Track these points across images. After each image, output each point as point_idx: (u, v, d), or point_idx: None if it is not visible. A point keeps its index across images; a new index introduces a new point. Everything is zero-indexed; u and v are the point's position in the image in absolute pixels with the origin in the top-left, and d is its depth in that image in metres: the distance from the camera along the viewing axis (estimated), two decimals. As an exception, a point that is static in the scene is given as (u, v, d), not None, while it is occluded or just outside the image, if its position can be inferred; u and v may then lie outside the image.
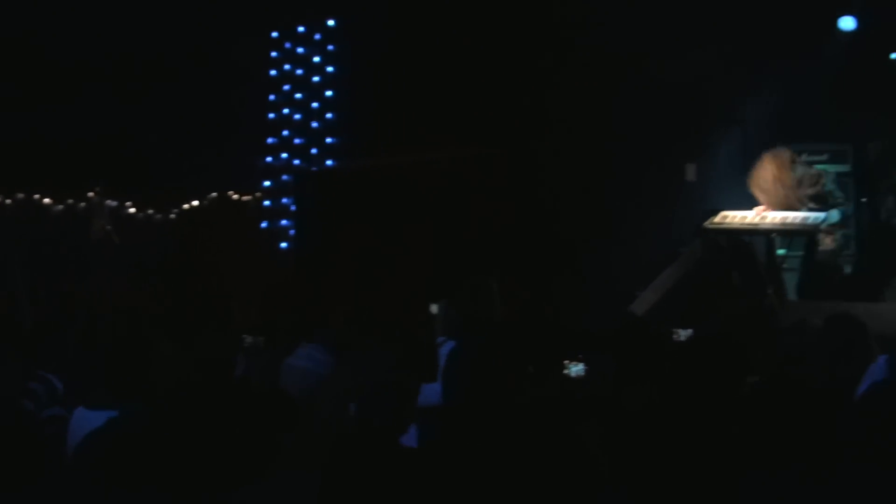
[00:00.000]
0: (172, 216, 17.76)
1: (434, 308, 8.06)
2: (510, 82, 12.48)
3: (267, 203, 16.11)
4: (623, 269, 10.90)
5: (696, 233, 10.27)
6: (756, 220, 9.89)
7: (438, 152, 12.94)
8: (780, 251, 10.53)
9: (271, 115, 16.10)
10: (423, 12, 13.21)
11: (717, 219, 10.07)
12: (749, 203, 10.29)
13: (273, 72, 16.12)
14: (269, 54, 16.10)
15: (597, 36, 11.55)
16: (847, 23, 12.66)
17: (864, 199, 12.00)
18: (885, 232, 11.87)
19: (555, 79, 12.09)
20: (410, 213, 12.67)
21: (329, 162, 15.61)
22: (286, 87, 16.09)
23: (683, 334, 6.73)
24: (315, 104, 15.75)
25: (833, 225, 9.84)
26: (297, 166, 15.80)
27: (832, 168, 10.79)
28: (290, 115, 16.00)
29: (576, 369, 6.00)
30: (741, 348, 4.64)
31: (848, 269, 11.91)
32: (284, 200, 15.88)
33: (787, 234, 10.09)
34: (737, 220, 9.97)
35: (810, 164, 10.62)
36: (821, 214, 9.71)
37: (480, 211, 12.35)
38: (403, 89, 13.51)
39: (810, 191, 10.12)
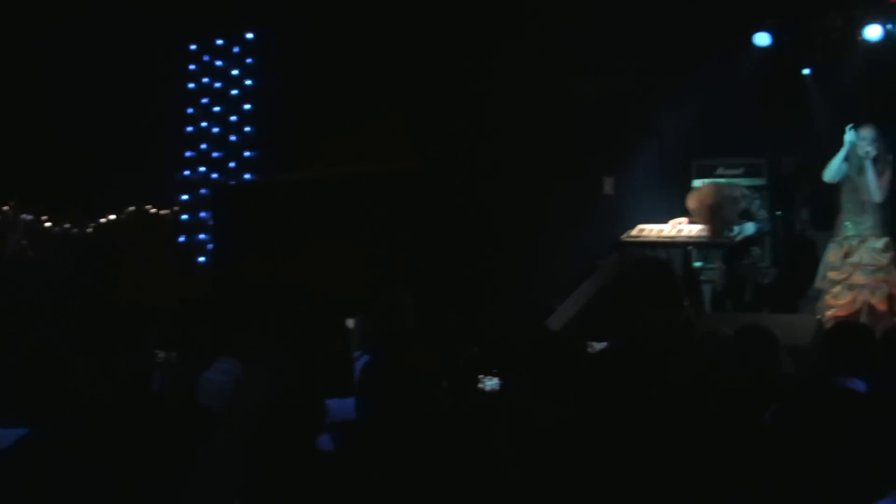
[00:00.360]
0: (89, 230, 17.49)
1: (350, 322, 8.00)
2: (429, 96, 12.47)
3: (184, 217, 15.94)
4: (541, 282, 10.92)
5: (614, 246, 10.31)
6: (673, 233, 9.96)
7: (357, 166, 12.88)
8: (697, 264, 10.61)
9: (189, 129, 15.95)
10: (344, 25, 13.17)
11: (635, 232, 10.13)
12: (666, 216, 10.37)
13: (191, 85, 15.97)
14: (187, 67, 15.95)
15: (514, 50, 11.57)
16: (762, 38, 12.83)
17: (779, 213, 12.15)
18: (800, 244, 12.02)
19: (473, 92, 12.09)
20: (328, 227, 12.60)
21: (247, 176, 15.50)
22: (204, 101, 15.95)
23: (598, 347, 6.73)
24: (233, 117, 15.64)
25: (748, 238, 9.92)
26: (215, 180, 15.66)
27: (747, 181, 10.89)
28: (207, 129, 15.86)
29: (490, 383, 5.97)
30: (653, 360, 4.65)
31: (763, 281, 12.05)
32: (202, 214, 15.72)
33: (703, 246, 10.17)
34: (653, 233, 10.03)
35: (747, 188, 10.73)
36: (736, 228, 9.79)
37: (398, 224, 12.32)
38: (322, 103, 13.44)
39: (740, 207, 10.22)
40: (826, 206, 12.03)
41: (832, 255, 9.85)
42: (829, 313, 9.69)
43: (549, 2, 11.06)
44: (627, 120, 11.30)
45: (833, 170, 9.77)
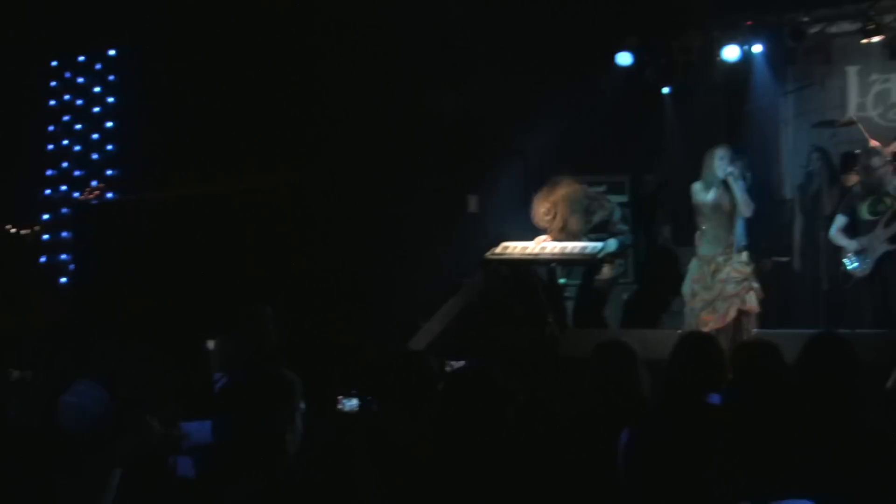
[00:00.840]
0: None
1: (211, 343, 7.88)
2: (292, 112, 12.39)
3: (46, 237, 15.61)
4: (406, 301, 10.89)
5: (478, 263, 10.34)
6: (536, 250, 10.02)
7: (220, 184, 12.75)
8: (561, 280, 10.70)
9: (50, 147, 15.63)
10: (207, 42, 13.03)
11: (499, 249, 10.16)
12: (530, 233, 10.43)
13: (52, 102, 15.66)
14: (48, 83, 15.64)
15: (379, 67, 11.56)
16: (624, 58, 13.07)
17: (641, 229, 12.38)
18: (662, 260, 12.23)
19: (336, 109, 12.04)
20: (191, 246, 12.44)
21: (109, 195, 15.22)
22: (66, 118, 15.65)
23: (456, 365, 6.72)
24: (95, 135, 15.37)
25: (611, 254, 10.04)
26: (76, 199, 15.36)
27: (613, 198, 11.04)
28: (69, 147, 15.57)
29: (349, 404, 5.93)
30: (506, 378, 4.66)
31: (625, 297, 12.24)
32: (64, 234, 15.41)
33: (566, 263, 10.24)
34: (517, 250, 10.07)
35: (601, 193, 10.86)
36: (598, 244, 9.90)
37: (259, 241, 12.21)
38: (185, 120, 13.27)
39: (597, 217, 10.32)
40: (687, 222, 12.26)
41: (698, 273, 10.04)
42: (708, 328, 9.94)
43: (407, 20, 11.03)
44: (492, 138, 11.34)
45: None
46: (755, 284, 9.96)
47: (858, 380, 4.85)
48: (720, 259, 9.97)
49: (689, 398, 5.07)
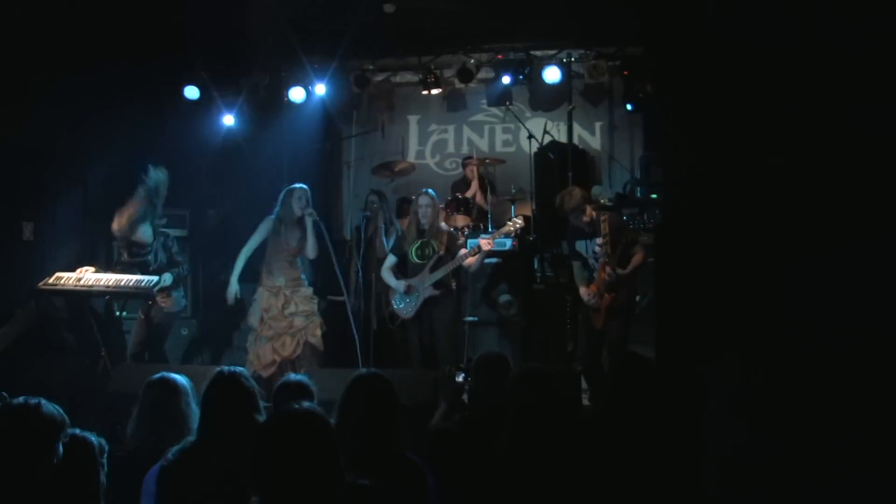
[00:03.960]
0: None
1: None
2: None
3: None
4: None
5: (31, 293, 9.98)
6: (91, 281, 9.80)
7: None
8: (119, 313, 10.50)
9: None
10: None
11: (52, 279, 9.85)
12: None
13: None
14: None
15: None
16: (192, 92, 13.12)
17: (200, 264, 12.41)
18: (219, 296, 12.30)
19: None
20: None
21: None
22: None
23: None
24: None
25: (167, 287, 9.98)
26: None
27: (174, 231, 10.96)
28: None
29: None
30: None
31: (184, 332, 12.19)
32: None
33: (121, 296, 10.06)
34: (72, 281, 9.82)
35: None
36: (154, 278, 9.81)
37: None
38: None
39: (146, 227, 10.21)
40: (249, 258, 12.38)
41: (269, 303, 10.22)
42: (274, 357, 10.10)
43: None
44: (51, 166, 10.97)
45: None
46: (318, 318, 10.30)
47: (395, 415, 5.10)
48: (288, 292, 10.22)
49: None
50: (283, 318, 10.21)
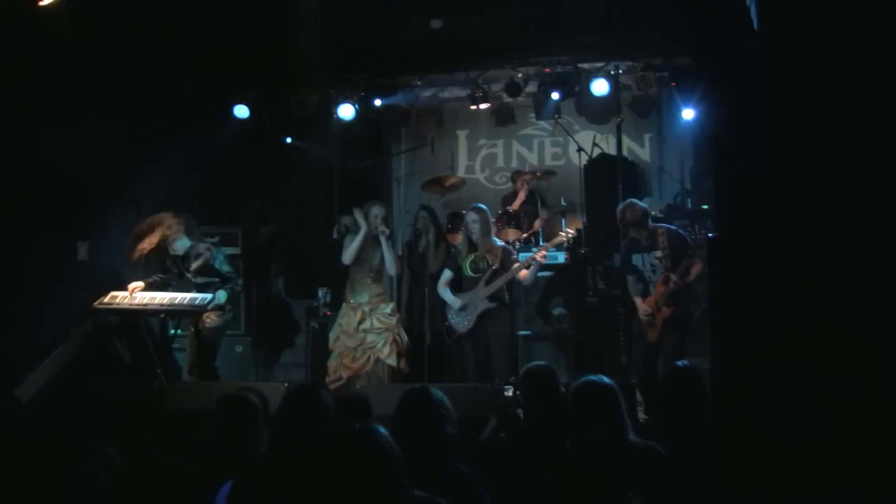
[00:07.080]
0: None
1: None
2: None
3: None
4: (9, 350, 10.33)
5: (86, 312, 10.05)
6: (146, 300, 9.87)
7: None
8: (172, 331, 10.57)
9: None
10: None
11: (107, 298, 9.94)
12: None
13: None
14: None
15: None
16: (241, 111, 13.15)
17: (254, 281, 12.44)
18: (275, 312, 12.31)
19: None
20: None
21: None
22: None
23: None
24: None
25: (220, 305, 10.02)
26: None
27: (225, 250, 11.00)
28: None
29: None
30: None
31: (239, 349, 12.23)
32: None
33: (175, 314, 10.12)
34: (126, 299, 9.89)
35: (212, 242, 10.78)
36: (208, 296, 9.87)
37: None
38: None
39: (195, 263, 10.26)
40: (301, 275, 12.42)
41: (346, 320, 10.30)
42: (342, 372, 10.16)
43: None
44: (101, 185, 11.03)
45: (351, 252, 10.23)
46: (400, 331, 10.35)
47: (449, 428, 5.09)
48: (366, 309, 10.28)
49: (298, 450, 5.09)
50: (354, 335, 10.26)
